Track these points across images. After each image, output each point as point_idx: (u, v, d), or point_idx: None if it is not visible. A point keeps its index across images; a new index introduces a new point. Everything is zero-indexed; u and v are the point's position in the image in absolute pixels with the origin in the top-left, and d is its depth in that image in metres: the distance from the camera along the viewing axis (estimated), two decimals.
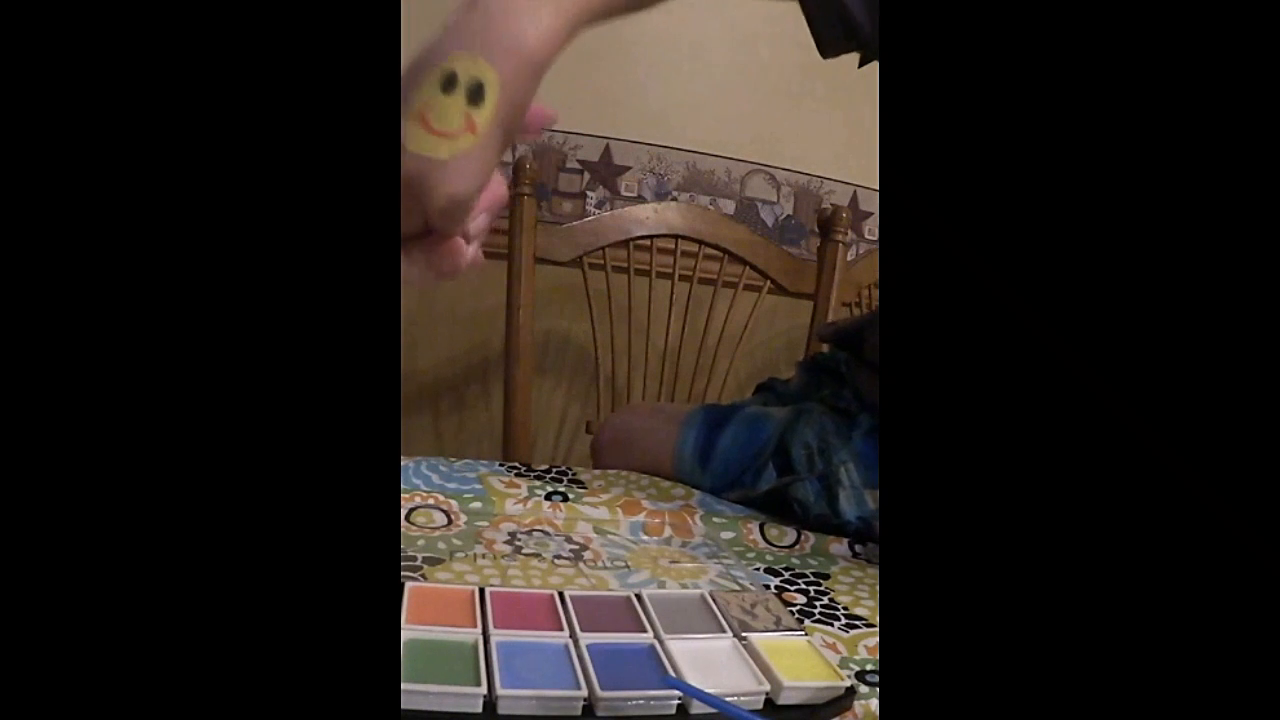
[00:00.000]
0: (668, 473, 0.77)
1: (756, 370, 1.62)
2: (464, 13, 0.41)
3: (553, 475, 0.72)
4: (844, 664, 0.49)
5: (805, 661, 0.46)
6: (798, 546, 0.67)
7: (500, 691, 0.39)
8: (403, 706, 0.37)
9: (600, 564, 0.59)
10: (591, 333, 1.24)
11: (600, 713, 0.40)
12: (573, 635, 0.45)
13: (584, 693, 0.40)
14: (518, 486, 0.69)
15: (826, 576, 0.62)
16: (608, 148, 1.52)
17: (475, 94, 0.39)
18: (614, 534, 0.65)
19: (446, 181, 0.40)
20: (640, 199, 1.55)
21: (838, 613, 0.56)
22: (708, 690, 0.40)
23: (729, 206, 1.59)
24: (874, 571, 0.64)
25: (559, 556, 0.59)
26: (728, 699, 0.40)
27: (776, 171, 1.60)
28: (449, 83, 0.39)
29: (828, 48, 0.64)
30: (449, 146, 0.40)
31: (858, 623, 0.55)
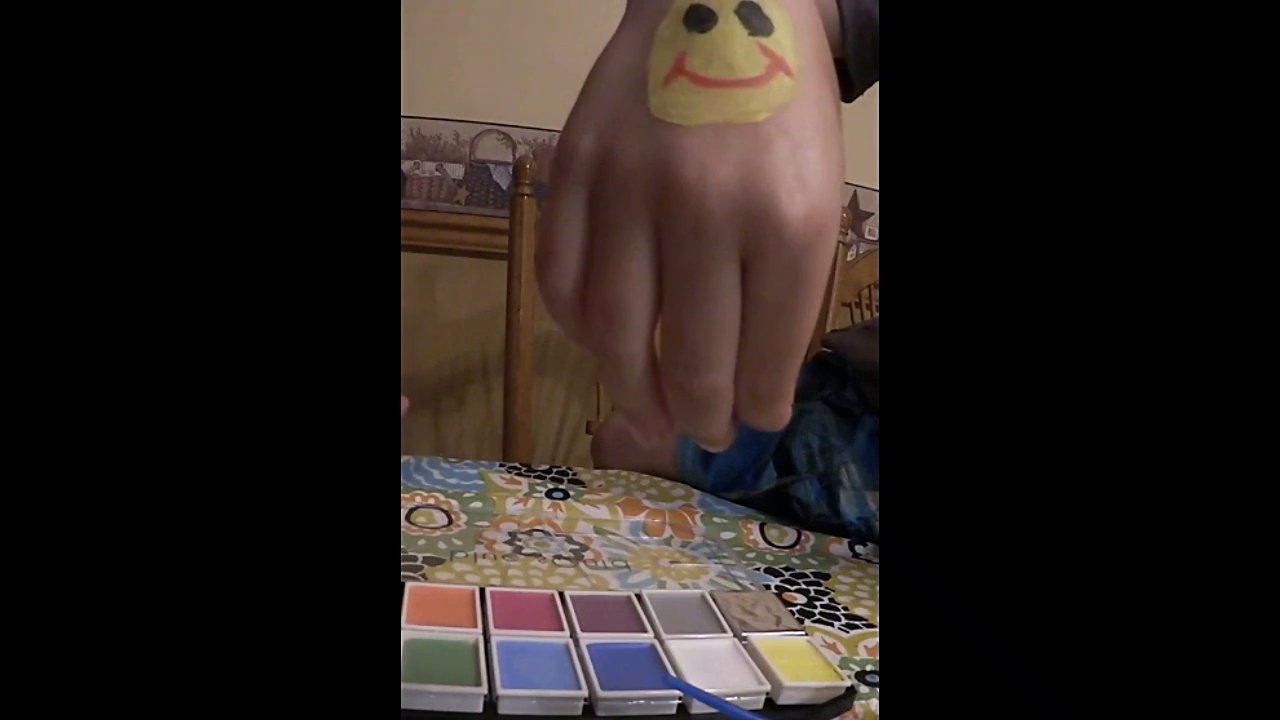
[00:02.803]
0: (669, 471, 0.77)
1: None
2: None
3: (553, 475, 0.72)
4: (844, 664, 0.49)
5: (805, 661, 0.46)
6: (798, 547, 0.67)
7: (500, 691, 0.39)
8: (403, 706, 0.37)
9: (600, 564, 0.59)
10: None
11: (600, 713, 0.40)
12: (573, 635, 0.45)
13: (584, 693, 0.40)
14: (518, 484, 0.69)
15: (826, 576, 0.62)
16: None
17: (753, 15, 0.24)
18: (614, 534, 0.65)
19: (791, 163, 0.23)
20: None
21: (838, 613, 0.56)
22: (708, 690, 0.40)
23: None
24: (874, 571, 0.64)
25: (559, 556, 0.59)
26: (728, 699, 0.40)
27: None
28: (698, 18, 0.24)
29: (859, 85, 0.63)
30: (761, 98, 0.23)
31: (858, 623, 0.55)
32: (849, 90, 0.64)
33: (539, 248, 0.26)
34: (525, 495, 0.67)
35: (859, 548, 0.67)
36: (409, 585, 0.48)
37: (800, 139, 0.23)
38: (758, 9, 0.24)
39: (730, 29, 0.24)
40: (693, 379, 0.25)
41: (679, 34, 0.24)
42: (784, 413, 0.26)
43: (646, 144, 0.23)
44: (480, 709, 0.39)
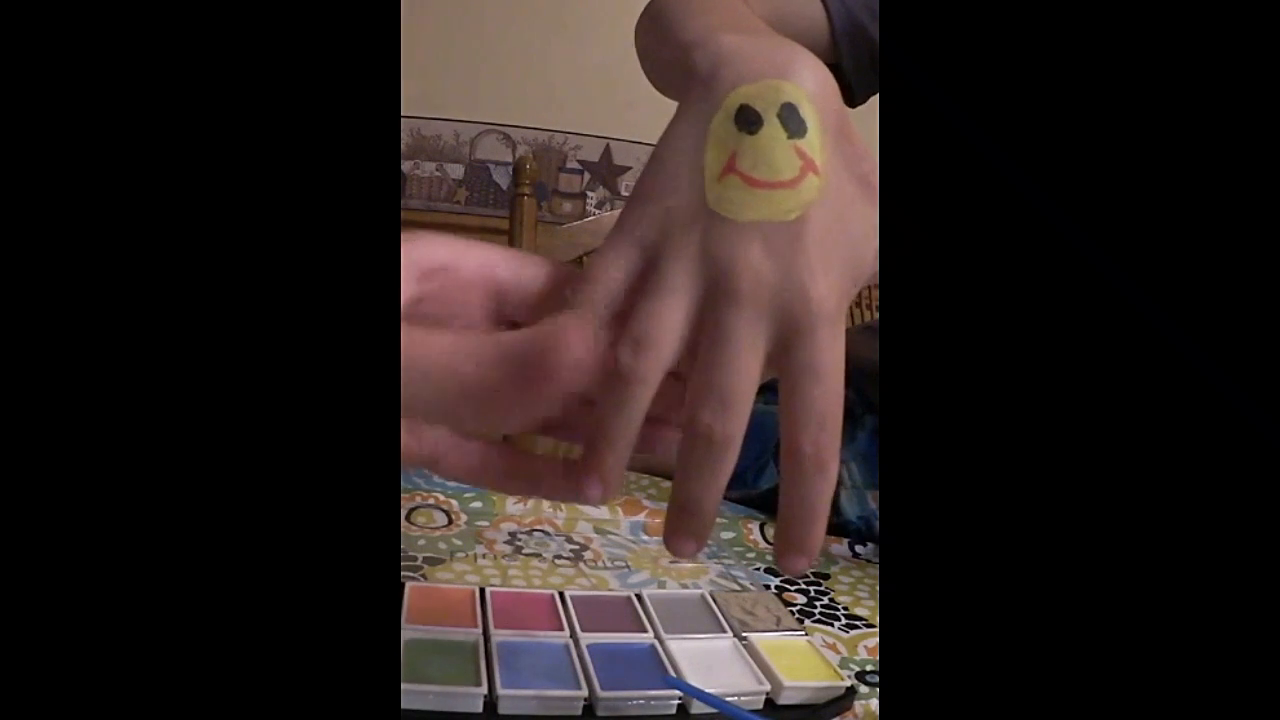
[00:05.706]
0: (669, 471, 0.77)
1: None
2: (715, 50, 0.30)
3: None
4: (844, 664, 0.49)
5: (805, 661, 0.46)
6: None
7: (500, 691, 0.39)
8: (403, 706, 0.37)
9: (600, 564, 0.59)
10: None
11: (600, 713, 0.40)
12: (573, 635, 0.45)
13: (584, 693, 0.40)
14: None
15: (826, 576, 0.62)
16: (608, 148, 1.52)
17: (791, 118, 0.28)
18: (614, 534, 0.65)
19: (818, 251, 0.28)
20: None
21: (838, 613, 0.56)
22: (708, 690, 0.40)
23: None
24: (874, 571, 0.64)
25: (559, 556, 0.59)
26: (728, 699, 0.40)
27: None
28: (746, 120, 0.28)
29: (859, 93, 0.64)
30: (795, 198, 0.28)
31: (858, 623, 0.55)
32: (850, 97, 0.65)
33: (588, 272, 0.30)
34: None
35: (859, 548, 0.67)
36: (409, 585, 0.48)
37: (823, 230, 0.28)
38: (795, 111, 0.28)
39: (774, 133, 0.28)
40: (717, 421, 0.28)
41: (730, 133, 0.28)
42: (831, 481, 0.28)
43: (705, 233, 0.28)
44: (480, 709, 0.39)
